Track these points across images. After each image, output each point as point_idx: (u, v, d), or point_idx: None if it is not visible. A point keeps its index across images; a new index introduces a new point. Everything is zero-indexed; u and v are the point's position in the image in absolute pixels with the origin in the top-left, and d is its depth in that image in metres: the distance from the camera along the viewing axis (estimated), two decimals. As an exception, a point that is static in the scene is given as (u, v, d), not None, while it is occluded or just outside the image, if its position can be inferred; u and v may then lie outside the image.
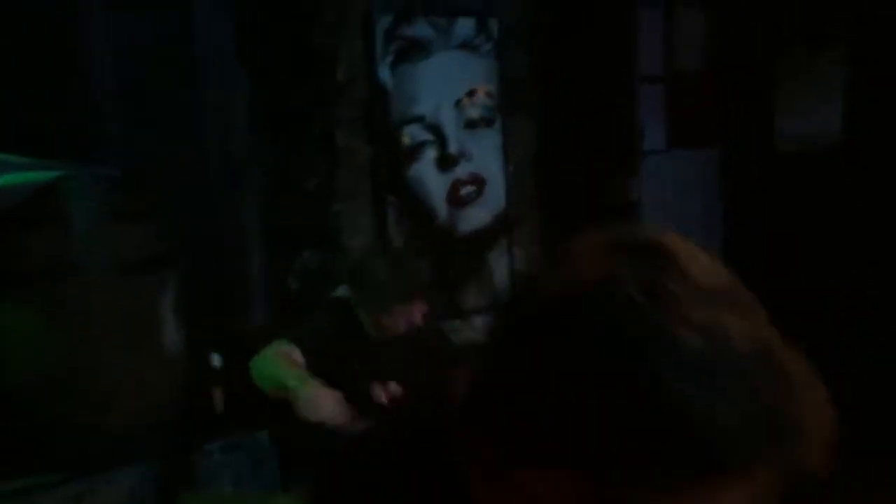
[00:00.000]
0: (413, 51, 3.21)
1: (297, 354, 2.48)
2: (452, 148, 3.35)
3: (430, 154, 3.30)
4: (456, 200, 3.39)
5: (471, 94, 3.38)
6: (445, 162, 3.34)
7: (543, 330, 0.69)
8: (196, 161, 3.14)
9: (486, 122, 3.45)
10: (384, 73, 3.14)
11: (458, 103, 3.35)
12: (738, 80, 4.41)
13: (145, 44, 2.99)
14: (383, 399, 2.54)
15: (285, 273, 3.21)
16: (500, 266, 3.55)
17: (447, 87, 3.32)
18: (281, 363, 2.42)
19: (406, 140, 3.22)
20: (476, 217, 3.46)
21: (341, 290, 3.09)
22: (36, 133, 2.80)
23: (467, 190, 3.42)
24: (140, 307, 2.71)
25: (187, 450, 2.88)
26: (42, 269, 2.53)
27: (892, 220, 3.85)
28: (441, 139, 3.31)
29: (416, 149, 3.25)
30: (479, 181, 3.45)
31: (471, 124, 3.41)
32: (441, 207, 3.35)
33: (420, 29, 3.20)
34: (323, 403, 2.26)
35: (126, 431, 2.69)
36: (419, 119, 3.25)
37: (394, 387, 2.57)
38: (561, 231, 3.78)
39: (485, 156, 3.45)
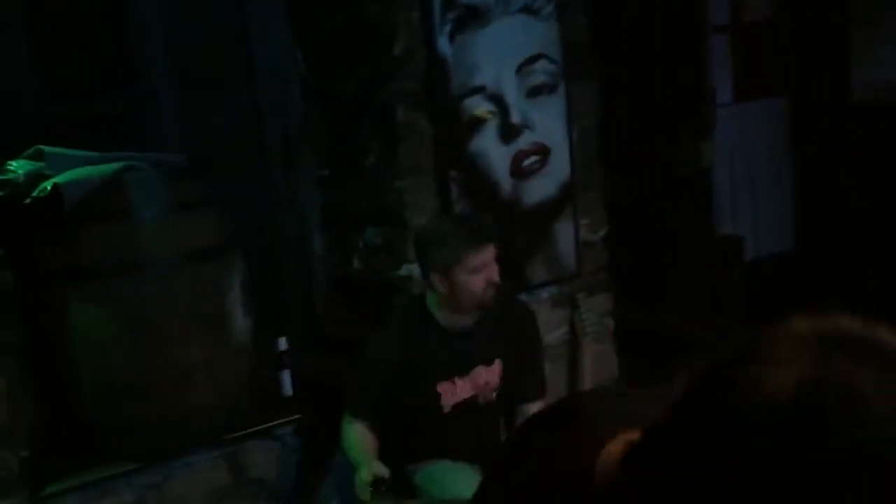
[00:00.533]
0: (471, 19, 3.09)
1: (370, 433, 2.50)
2: (515, 118, 3.24)
3: (493, 125, 3.20)
4: (519, 172, 3.29)
5: (532, 59, 3.26)
6: (508, 133, 3.23)
7: (753, 442, 0.63)
8: (254, 143, 3.11)
9: (549, 88, 3.33)
10: (443, 44, 3.04)
11: (519, 70, 3.23)
12: (810, 26, 4.20)
13: (199, 26, 2.94)
14: (466, 390, 2.50)
15: (348, 253, 3.18)
16: (565, 236, 3.47)
17: (507, 54, 3.20)
18: (355, 440, 2.48)
19: (467, 112, 3.12)
20: (540, 188, 3.36)
21: (405, 269, 3.05)
22: (95, 122, 2.79)
23: (531, 160, 3.32)
24: (207, 295, 2.71)
25: (259, 434, 2.90)
26: (110, 263, 2.54)
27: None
28: (503, 109, 3.21)
29: (478, 120, 3.16)
30: (542, 151, 3.34)
31: (533, 92, 3.29)
32: (504, 180, 3.26)
33: (478, -5, 3.09)
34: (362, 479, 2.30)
35: (199, 418, 2.72)
36: (480, 89, 3.15)
37: (484, 372, 2.53)
38: (628, 198, 3.68)
39: (548, 124, 3.33)
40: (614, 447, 0.79)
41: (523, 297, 3.43)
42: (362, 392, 2.51)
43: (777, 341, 0.68)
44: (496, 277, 2.42)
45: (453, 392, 2.48)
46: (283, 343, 3.02)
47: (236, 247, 2.79)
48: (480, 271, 2.38)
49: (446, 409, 2.48)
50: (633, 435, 0.78)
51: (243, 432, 2.86)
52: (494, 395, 2.54)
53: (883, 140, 3.96)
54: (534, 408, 2.53)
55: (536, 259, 3.42)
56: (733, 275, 3.84)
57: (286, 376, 3.01)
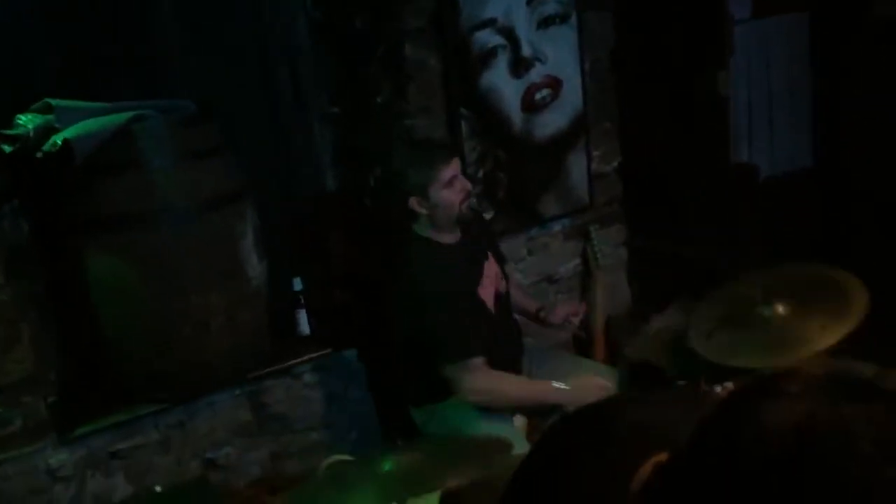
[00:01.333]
0: (480, -51, 3.00)
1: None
2: (526, 51, 3.18)
3: (503, 59, 3.14)
4: (531, 106, 3.25)
5: (544, -12, 3.17)
6: (519, 66, 3.18)
7: (751, 475, 0.70)
8: (263, 86, 3.08)
9: (561, 18, 3.25)
10: (450, -23, 2.96)
11: (530, 1, 3.15)
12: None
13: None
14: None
15: (360, 192, 3.19)
16: (577, 169, 3.45)
17: (518, -17, 3.12)
18: (514, 386, 2.54)
19: (477, 47, 3.06)
20: (552, 121, 3.32)
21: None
22: (102, 71, 2.77)
23: (542, 94, 3.27)
24: (222, 242, 2.75)
25: (278, 372, 2.98)
26: (124, 214, 2.57)
27: None
28: (514, 42, 3.14)
29: (488, 55, 3.10)
30: (554, 83, 3.29)
31: (544, 23, 3.21)
32: (516, 115, 3.22)
33: (486, -79, 2.99)
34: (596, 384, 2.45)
35: (219, 361, 2.79)
36: (490, 22, 3.08)
37: (489, 267, 2.66)
38: (642, 128, 3.63)
39: (560, 56, 3.27)
40: (644, 472, 0.84)
41: (536, 230, 3.46)
42: (460, 328, 2.43)
43: (791, 379, 0.73)
44: (469, 186, 2.56)
45: (487, 293, 2.61)
46: (298, 283, 3.07)
47: (249, 192, 2.81)
48: (453, 184, 2.50)
49: (493, 311, 2.61)
50: (663, 458, 0.83)
51: (263, 371, 2.94)
52: (504, 282, 2.71)
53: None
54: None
55: (549, 192, 3.42)
56: (748, 201, 3.81)
57: (302, 315, 3.07)
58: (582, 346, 3.47)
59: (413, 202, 2.50)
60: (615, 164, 3.62)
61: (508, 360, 2.63)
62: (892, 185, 3.94)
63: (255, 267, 2.81)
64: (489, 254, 2.70)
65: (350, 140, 3.18)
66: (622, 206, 3.68)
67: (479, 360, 2.44)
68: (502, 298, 2.68)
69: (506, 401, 2.50)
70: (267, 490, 2.87)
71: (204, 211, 2.65)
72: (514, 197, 3.32)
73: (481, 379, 2.43)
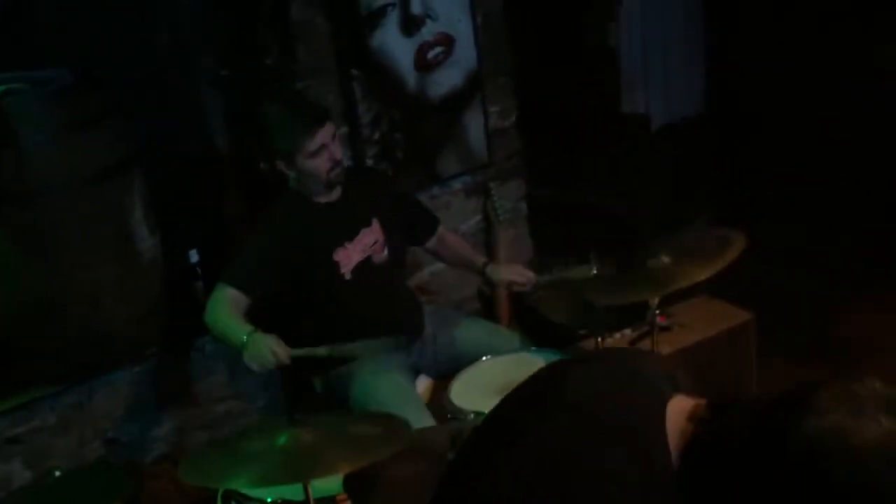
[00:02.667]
0: None
1: (242, 300, 2.46)
2: (416, 8, 3.14)
3: (393, 18, 3.10)
4: (424, 64, 3.22)
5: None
6: (410, 24, 3.14)
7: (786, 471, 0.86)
8: (146, 51, 2.96)
9: (450, -27, 3.22)
10: (335, -66, 2.89)
11: (417, -43, 3.11)
12: None
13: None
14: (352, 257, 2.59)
15: (254, 155, 3.12)
16: (475, 126, 3.45)
17: (405, -60, 3.07)
18: (225, 316, 2.42)
19: (365, 6, 3.01)
20: (447, 79, 3.30)
21: None
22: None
23: (435, 52, 3.24)
24: (109, 216, 2.68)
25: (178, 346, 2.94)
26: (2, 192, 2.47)
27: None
28: (403, 0, 3.11)
29: (378, 14, 3.06)
30: (447, 41, 3.26)
31: (433, -22, 3.18)
32: (409, 74, 3.20)
33: None
34: (264, 350, 2.29)
35: (114, 337, 2.74)
36: (378, -20, 3.04)
37: (368, 233, 2.63)
38: (537, 83, 3.65)
39: (451, 12, 3.23)
40: (675, 411, 1.00)
41: (436, 189, 3.47)
42: (242, 262, 2.50)
43: (835, 392, 0.88)
44: (338, 155, 2.51)
45: (348, 257, 2.59)
46: (194, 255, 3.01)
47: (136, 163, 2.73)
48: (321, 153, 2.45)
49: (347, 276, 2.58)
50: (687, 403, 1.01)
51: (162, 346, 2.90)
52: (385, 253, 2.66)
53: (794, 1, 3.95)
54: (445, 233, 2.87)
55: (447, 151, 3.42)
56: (642, 149, 3.90)
57: (200, 288, 3.02)
58: (486, 302, 3.52)
59: (280, 165, 2.48)
60: (512, 119, 3.64)
61: (368, 327, 2.59)
62: (782, 128, 4.09)
63: (146, 240, 2.75)
64: (374, 220, 2.65)
65: (242, 103, 3.10)
66: (521, 161, 3.71)
67: (230, 290, 2.43)
68: (373, 268, 2.62)
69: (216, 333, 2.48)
70: (173, 465, 2.84)
71: (87, 185, 2.56)
72: (413, 157, 3.31)
73: (215, 303, 2.43)
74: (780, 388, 0.93)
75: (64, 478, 2.54)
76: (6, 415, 2.65)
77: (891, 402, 0.86)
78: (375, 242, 2.64)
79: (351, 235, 2.60)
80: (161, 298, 2.86)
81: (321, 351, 2.42)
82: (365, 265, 2.62)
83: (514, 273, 2.79)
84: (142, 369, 2.86)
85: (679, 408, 1.00)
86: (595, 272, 2.63)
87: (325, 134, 2.45)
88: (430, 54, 3.24)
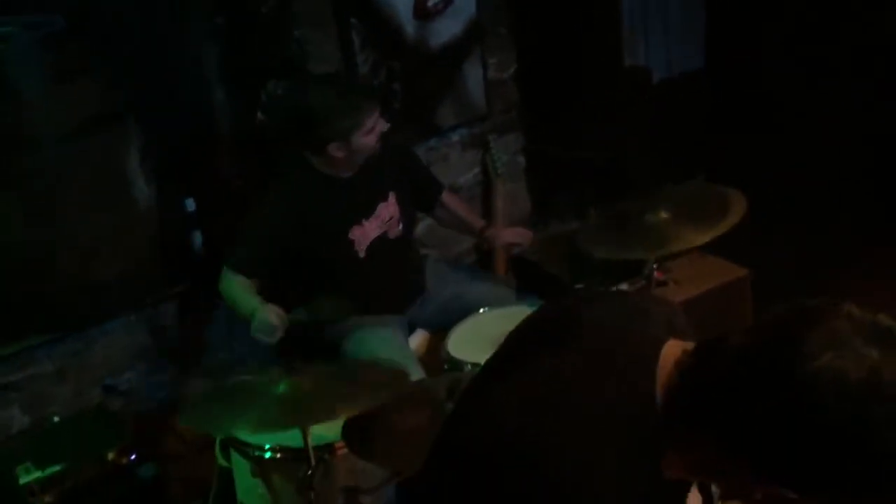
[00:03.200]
0: None
1: (249, 284, 2.46)
2: (416, -44, 3.10)
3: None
4: (424, 13, 3.18)
5: None
6: (410, -28, 3.10)
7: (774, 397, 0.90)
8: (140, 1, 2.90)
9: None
10: None
11: None
12: None
13: None
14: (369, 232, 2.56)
15: (251, 106, 3.09)
16: (473, 77, 3.42)
17: None
18: (237, 291, 2.45)
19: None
20: (446, 28, 3.26)
21: None
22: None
23: (436, 0, 3.20)
24: (104, 165, 2.66)
25: (176, 296, 2.94)
26: (-3, 140, 2.44)
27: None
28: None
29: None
30: (447, -11, 3.22)
31: (434, -76, 3.12)
32: (408, 23, 3.15)
33: None
34: (267, 323, 2.31)
35: (111, 286, 2.73)
36: (377, -74, 2.98)
37: (384, 207, 2.60)
38: (537, 35, 3.61)
39: (451, -40, 3.20)
40: (668, 354, 1.03)
41: (434, 141, 3.45)
42: (248, 245, 2.49)
43: (820, 334, 0.90)
44: (385, 127, 2.49)
45: (364, 234, 2.56)
46: (190, 204, 3.00)
47: (131, 112, 2.70)
48: (374, 129, 2.44)
49: (362, 254, 2.56)
50: (680, 346, 1.04)
51: (159, 295, 2.90)
52: (401, 227, 2.64)
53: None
54: (448, 198, 2.85)
55: (445, 102, 3.39)
56: (641, 103, 3.87)
57: (196, 237, 3.01)
58: (483, 255, 3.52)
59: (332, 148, 2.41)
60: (511, 71, 3.60)
61: (382, 302, 2.62)
62: (782, 86, 4.06)
63: (143, 189, 2.73)
64: (391, 194, 2.59)
65: (238, 52, 3.06)
66: (519, 114, 3.68)
67: (238, 277, 2.45)
68: (387, 244, 2.59)
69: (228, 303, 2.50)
70: (171, 412, 2.86)
71: (81, 134, 2.53)
72: (411, 108, 3.28)
73: (225, 281, 2.46)
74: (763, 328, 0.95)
75: (62, 424, 2.56)
76: (3, 361, 2.66)
77: (869, 331, 0.89)
78: (391, 218, 2.60)
79: (368, 212, 2.55)
80: (158, 248, 2.86)
81: (301, 314, 2.44)
82: (380, 242, 2.58)
83: (513, 235, 2.80)
84: (138, 318, 2.87)
85: (672, 351, 1.03)
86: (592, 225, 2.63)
87: (378, 110, 2.46)
88: (431, 2, 3.19)
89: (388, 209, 2.59)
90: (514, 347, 1.22)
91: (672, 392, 1.00)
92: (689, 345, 1.04)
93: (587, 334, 1.11)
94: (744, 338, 0.95)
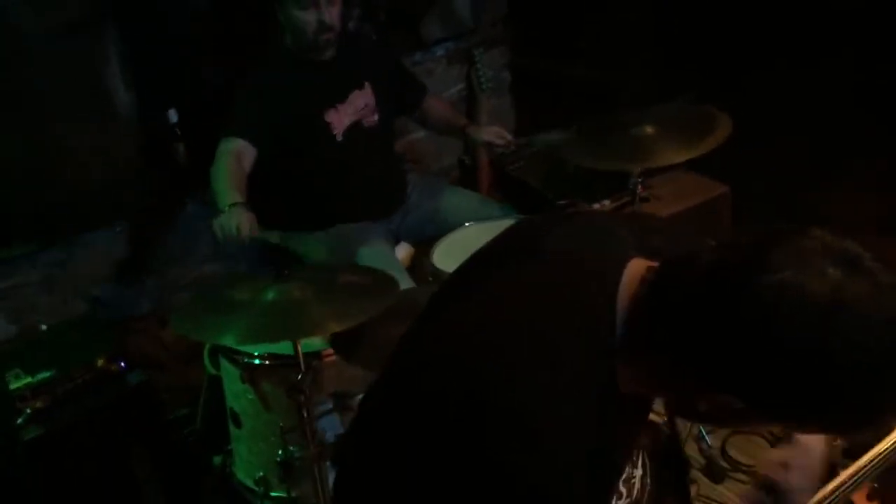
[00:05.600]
0: None
1: (248, 151, 2.44)
2: None
3: None
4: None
5: None
6: None
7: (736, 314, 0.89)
8: None
9: None
10: None
11: None
12: None
13: None
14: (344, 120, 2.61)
15: (231, 10, 3.02)
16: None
17: None
18: (225, 175, 2.37)
19: None
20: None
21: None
22: None
23: None
24: (82, 70, 2.61)
25: (160, 207, 2.93)
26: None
27: None
28: None
29: None
30: None
31: None
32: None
33: None
34: (231, 223, 2.20)
35: (95, 196, 2.72)
36: None
37: (359, 96, 2.65)
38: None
39: None
40: (632, 271, 1.03)
41: (419, 55, 3.40)
42: (244, 110, 2.51)
43: (785, 250, 0.90)
44: (328, 18, 2.50)
45: (339, 119, 2.61)
46: (173, 115, 2.95)
47: (110, 17, 2.63)
48: (309, 7, 2.47)
49: (339, 137, 2.62)
50: (644, 264, 1.04)
51: (143, 206, 2.88)
52: (376, 117, 2.69)
53: None
54: (432, 101, 2.91)
55: (432, 15, 3.34)
56: (630, 19, 3.82)
57: (180, 148, 2.98)
58: (467, 171, 3.52)
59: (276, 7, 2.50)
60: (498, -18, 3.55)
61: (364, 200, 2.68)
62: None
63: (124, 97, 2.70)
64: (366, 84, 2.66)
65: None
66: (506, 28, 3.64)
67: (236, 142, 2.44)
68: (363, 131, 2.66)
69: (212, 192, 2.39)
70: (157, 323, 2.89)
71: (56, 38, 2.48)
72: (396, 20, 3.23)
73: (219, 156, 2.42)
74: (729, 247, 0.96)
75: (50, 332, 2.57)
76: (-14, 271, 2.66)
77: (837, 254, 0.89)
78: (366, 106, 2.66)
79: (342, 97, 2.62)
80: (140, 158, 2.83)
81: (274, 237, 2.44)
82: (356, 128, 2.64)
83: (492, 134, 2.83)
84: (123, 230, 2.86)
85: (636, 268, 1.03)
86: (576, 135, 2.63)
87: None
88: (417, -89, 3.12)
89: (363, 98, 2.66)
90: (474, 266, 1.21)
91: (633, 306, 1.00)
92: (655, 263, 1.03)
93: (548, 254, 1.11)
94: (710, 254, 0.95)
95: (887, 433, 1.33)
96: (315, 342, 2.10)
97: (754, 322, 0.87)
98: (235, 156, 2.41)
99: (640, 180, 2.47)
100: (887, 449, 1.33)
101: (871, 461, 1.33)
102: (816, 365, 0.86)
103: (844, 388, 0.87)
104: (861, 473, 1.32)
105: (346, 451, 1.32)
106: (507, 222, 2.61)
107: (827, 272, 0.87)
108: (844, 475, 1.32)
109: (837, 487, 1.31)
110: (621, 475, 1.33)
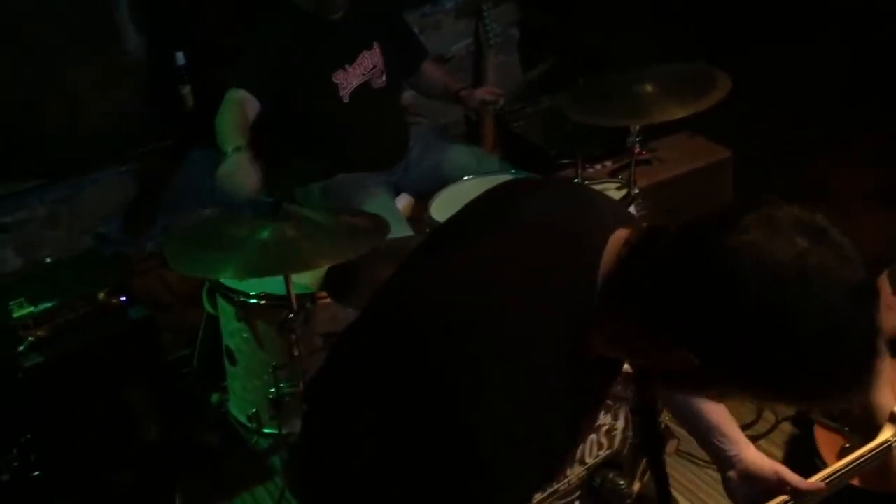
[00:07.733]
0: None
1: (252, 103, 2.46)
2: None
3: None
4: None
5: None
6: None
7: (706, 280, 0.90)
8: None
9: None
10: None
11: None
12: None
13: None
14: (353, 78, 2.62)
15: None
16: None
17: None
18: (228, 118, 2.39)
19: None
20: None
21: None
22: None
23: None
24: (91, 10, 2.63)
25: (166, 150, 2.97)
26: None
27: None
28: None
29: None
30: None
31: None
32: None
33: None
34: (239, 177, 2.19)
35: (101, 135, 2.76)
36: None
37: (368, 56, 2.66)
38: None
39: None
40: (615, 241, 1.05)
41: (428, 8, 3.40)
42: (252, 65, 2.53)
43: (757, 215, 0.92)
44: None
45: (347, 80, 2.63)
46: (181, 57, 2.98)
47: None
48: None
49: (346, 99, 2.64)
50: (628, 231, 1.06)
51: (149, 147, 2.92)
52: (384, 79, 2.71)
53: None
54: (428, 65, 2.92)
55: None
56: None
57: (187, 90, 3.01)
58: (472, 127, 3.53)
59: None
60: (511, -65, 3.53)
61: (366, 155, 2.70)
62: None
63: (132, 39, 2.72)
64: (376, 45, 2.67)
65: None
66: (517, -17, 3.63)
67: (241, 92, 2.45)
68: (371, 93, 2.67)
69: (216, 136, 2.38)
70: (161, 263, 2.94)
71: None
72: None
73: (224, 104, 2.43)
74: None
75: (55, 265, 2.63)
76: (-5, 202, 2.71)
77: (806, 225, 0.90)
78: (374, 67, 2.67)
79: (351, 58, 2.63)
80: (148, 100, 2.86)
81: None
82: (363, 89, 2.66)
83: (485, 93, 2.86)
84: (128, 169, 2.90)
85: (620, 235, 1.05)
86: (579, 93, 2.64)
87: None
88: None
89: (372, 58, 2.67)
90: (459, 222, 1.22)
91: (611, 271, 1.02)
92: (637, 231, 1.05)
93: (529, 216, 1.12)
94: (688, 220, 0.97)
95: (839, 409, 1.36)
96: (309, 286, 2.15)
97: (716, 277, 0.89)
98: (240, 104, 2.45)
99: (637, 139, 2.49)
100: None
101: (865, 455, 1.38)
102: (773, 328, 0.87)
103: (799, 353, 0.88)
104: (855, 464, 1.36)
105: (316, 388, 1.35)
106: (505, 177, 2.65)
107: (794, 240, 0.88)
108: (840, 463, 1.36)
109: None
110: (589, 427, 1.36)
